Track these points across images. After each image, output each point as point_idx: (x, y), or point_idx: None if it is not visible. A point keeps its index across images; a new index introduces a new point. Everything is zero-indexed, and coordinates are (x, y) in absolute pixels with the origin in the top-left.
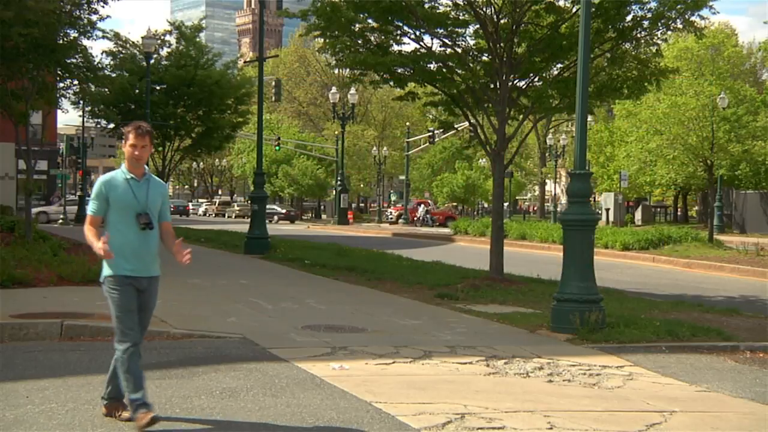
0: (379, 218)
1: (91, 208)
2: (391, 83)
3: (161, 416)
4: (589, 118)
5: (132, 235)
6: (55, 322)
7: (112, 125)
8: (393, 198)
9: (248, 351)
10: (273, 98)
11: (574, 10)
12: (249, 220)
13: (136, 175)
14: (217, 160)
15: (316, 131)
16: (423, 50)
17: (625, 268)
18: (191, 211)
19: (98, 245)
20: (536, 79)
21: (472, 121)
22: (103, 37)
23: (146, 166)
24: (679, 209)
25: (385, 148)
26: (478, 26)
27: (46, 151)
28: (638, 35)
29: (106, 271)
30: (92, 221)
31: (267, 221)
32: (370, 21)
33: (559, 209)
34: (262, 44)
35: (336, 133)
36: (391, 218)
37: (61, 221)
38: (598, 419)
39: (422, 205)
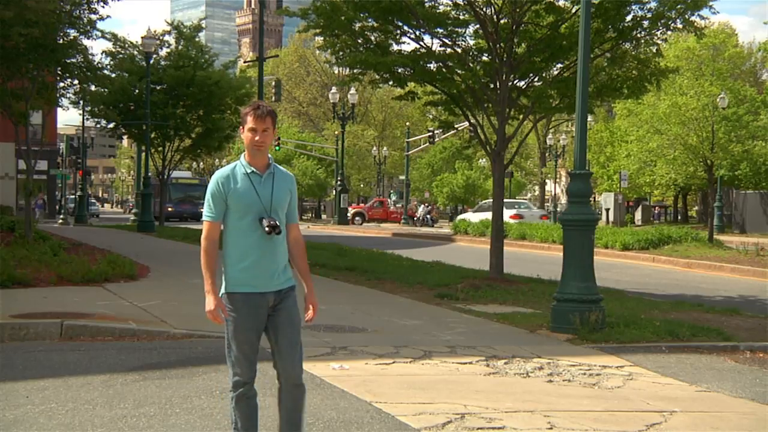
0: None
1: (206, 212)
2: (391, 83)
3: None
4: (589, 118)
5: (254, 242)
6: (55, 322)
7: (112, 125)
8: (393, 198)
9: None
10: (273, 98)
11: (574, 10)
12: None
13: (258, 167)
14: (216, 160)
15: (316, 131)
16: (423, 50)
17: (625, 268)
18: None
19: (209, 302)
20: (536, 79)
21: (472, 121)
22: (102, 37)
23: (270, 156)
24: (679, 209)
25: (385, 148)
26: (478, 26)
27: (46, 151)
28: (638, 35)
29: (224, 287)
30: (209, 230)
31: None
32: (370, 20)
33: (559, 209)
34: (261, 44)
35: (336, 133)
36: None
37: (61, 221)
38: (598, 419)
39: (422, 205)
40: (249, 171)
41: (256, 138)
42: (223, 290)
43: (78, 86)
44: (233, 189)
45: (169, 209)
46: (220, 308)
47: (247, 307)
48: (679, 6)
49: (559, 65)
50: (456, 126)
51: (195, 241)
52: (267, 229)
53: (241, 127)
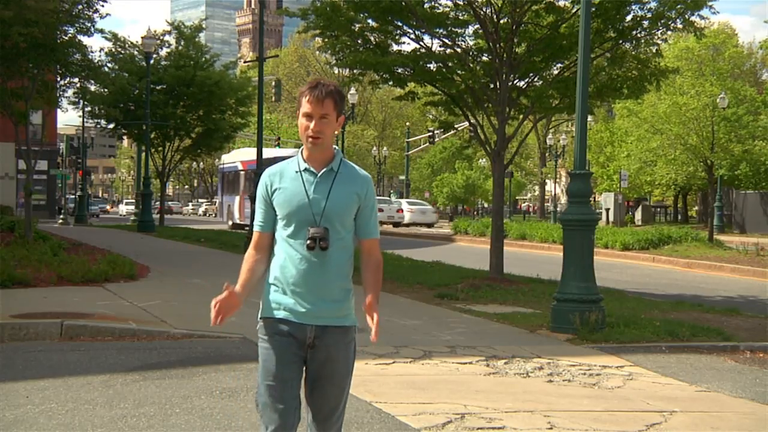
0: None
1: (255, 220)
2: (391, 83)
3: None
4: (589, 118)
5: (298, 259)
6: (55, 322)
7: (112, 125)
8: (393, 198)
9: (248, 351)
10: (273, 98)
11: (574, 10)
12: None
13: (314, 164)
14: (217, 160)
15: None
16: (423, 50)
17: (625, 268)
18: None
19: (216, 299)
20: (536, 79)
21: (472, 121)
22: (102, 36)
23: (337, 148)
24: (679, 209)
25: (385, 148)
26: (478, 26)
27: (46, 151)
28: (638, 35)
29: (260, 311)
30: (257, 241)
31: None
32: (369, 21)
33: (559, 209)
34: (261, 44)
35: (336, 133)
36: None
37: (61, 221)
38: (598, 419)
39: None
40: (302, 168)
41: (312, 127)
42: (259, 314)
43: (78, 85)
44: (278, 190)
45: None
46: (220, 303)
47: (279, 337)
48: (679, 6)
49: (559, 65)
50: (456, 126)
51: (195, 241)
52: (308, 242)
53: (297, 112)
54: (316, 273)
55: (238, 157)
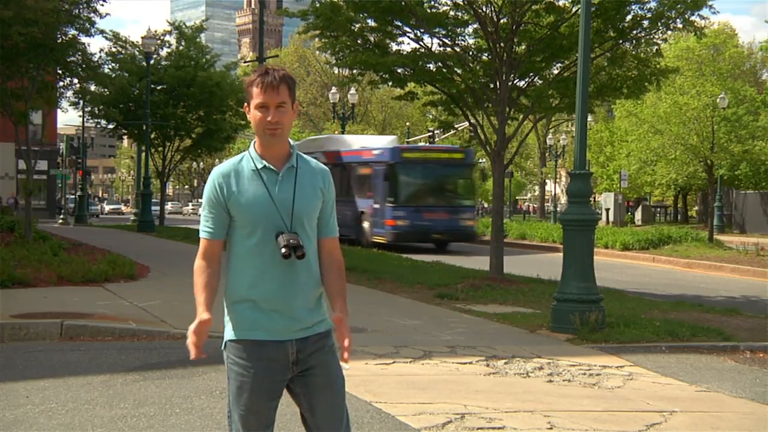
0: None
1: (202, 225)
2: (391, 83)
3: None
4: (589, 118)
5: (268, 269)
6: (55, 322)
7: (112, 125)
8: None
9: None
10: None
11: (574, 10)
12: None
13: (273, 160)
14: (217, 160)
15: (316, 131)
16: (423, 50)
17: (625, 268)
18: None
19: (191, 329)
20: (536, 79)
21: (472, 121)
22: (102, 36)
23: (291, 142)
24: (679, 209)
25: None
26: (477, 26)
27: (46, 151)
28: (638, 35)
29: (227, 332)
30: (206, 249)
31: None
32: (369, 21)
33: (559, 209)
34: (261, 44)
35: (336, 133)
36: None
37: (61, 221)
38: (598, 419)
39: None
40: (260, 166)
41: (269, 118)
42: (226, 335)
43: (78, 85)
44: (236, 193)
45: (397, 222)
46: (198, 334)
47: (258, 363)
48: (679, 6)
49: (559, 65)
50: (456, 126)
51: (195, 242)
52: (283, 251)
53: (245, 105)
54: (291, 283)
55: (324, 145)
